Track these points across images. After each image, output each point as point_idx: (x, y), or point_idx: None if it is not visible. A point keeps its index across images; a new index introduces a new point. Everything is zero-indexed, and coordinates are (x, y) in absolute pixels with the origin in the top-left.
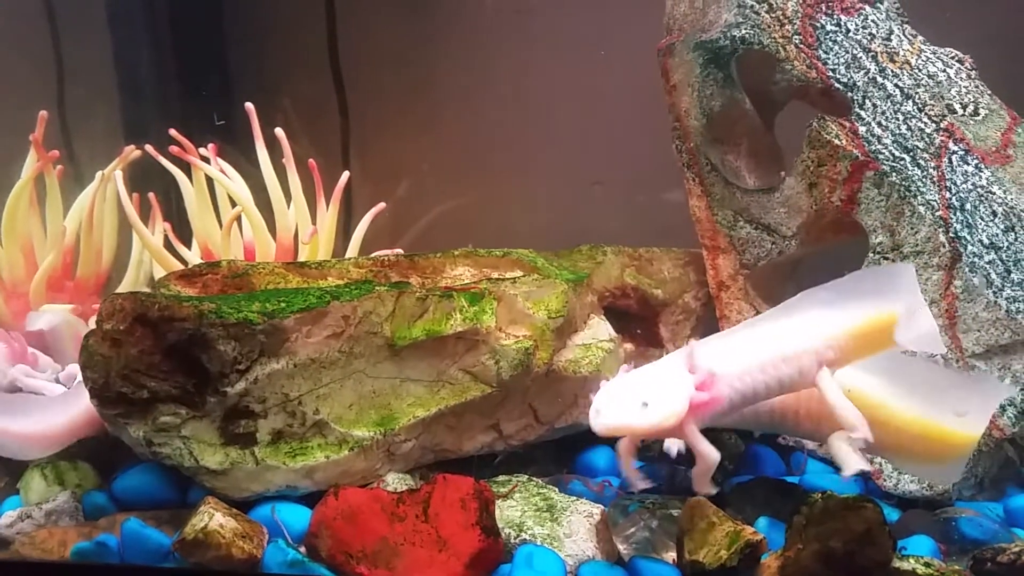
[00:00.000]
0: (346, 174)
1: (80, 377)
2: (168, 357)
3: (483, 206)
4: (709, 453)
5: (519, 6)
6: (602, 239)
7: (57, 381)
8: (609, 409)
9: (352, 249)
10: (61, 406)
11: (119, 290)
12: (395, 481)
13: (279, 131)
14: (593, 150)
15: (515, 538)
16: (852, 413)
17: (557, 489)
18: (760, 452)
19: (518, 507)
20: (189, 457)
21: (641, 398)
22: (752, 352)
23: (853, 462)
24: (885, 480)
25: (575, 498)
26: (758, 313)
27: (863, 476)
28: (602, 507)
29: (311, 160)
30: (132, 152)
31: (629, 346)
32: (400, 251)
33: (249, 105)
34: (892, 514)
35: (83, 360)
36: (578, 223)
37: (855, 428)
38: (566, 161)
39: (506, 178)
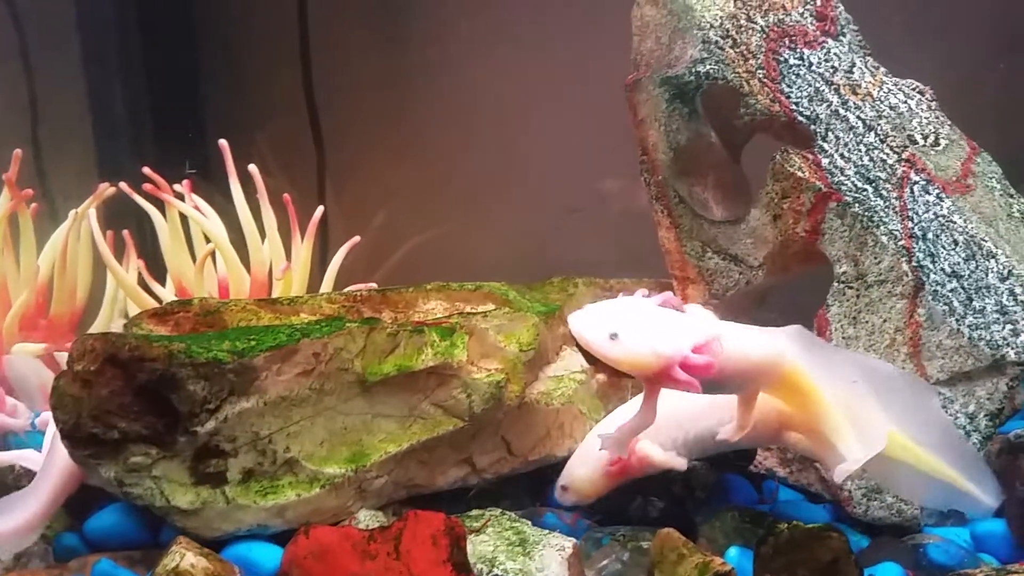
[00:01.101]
0: (320, 208)
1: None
2: (139, 397)
3: (459, 237)
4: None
5: (494, 39)
6: (580, 267)
7: (32, 426)
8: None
9: (327, 282)
10: (27, 499)
11: (93, 328)
12: (367, 518)
13: (253, 167)
14: (569, 178)
15: (487, 573)
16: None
17: (530, 522)
18: (732, 480)
19: (490, 542)
20: (160, 497)
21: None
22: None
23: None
24: (855, 507)
25: (548, 531)
26: None
27: (835, 502)
28: (574, 540)
29: (285, 195)
30: (106, 190)
31: (601, 377)
32: (374, 285)
33: (223, 142)
34: (861, 541)
35: (54, 401)
36: (555, 251)
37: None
38: (542, 190)
39: (482, 209)
